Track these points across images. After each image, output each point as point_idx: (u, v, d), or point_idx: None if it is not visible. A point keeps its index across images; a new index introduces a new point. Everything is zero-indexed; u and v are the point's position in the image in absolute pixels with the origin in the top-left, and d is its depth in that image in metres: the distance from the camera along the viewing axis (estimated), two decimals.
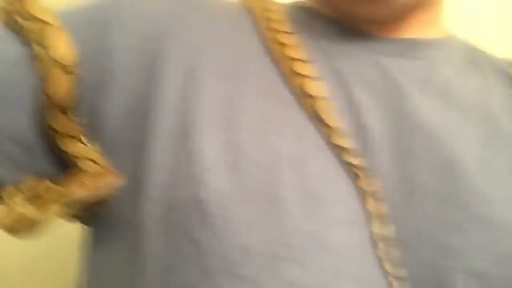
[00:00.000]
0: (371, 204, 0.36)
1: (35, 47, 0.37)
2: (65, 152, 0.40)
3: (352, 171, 0.37)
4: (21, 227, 0.35)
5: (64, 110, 0.39)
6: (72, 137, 0.40)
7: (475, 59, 0.48)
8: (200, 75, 0.39)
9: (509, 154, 0.39)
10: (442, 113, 0.40)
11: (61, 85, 0.38)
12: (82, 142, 0.40)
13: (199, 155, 0.36)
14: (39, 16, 0.38)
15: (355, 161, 0.37)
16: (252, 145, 0.36)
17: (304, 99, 0.39)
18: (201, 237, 0.34)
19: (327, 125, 0.38)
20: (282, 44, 0.41)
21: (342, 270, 0.34)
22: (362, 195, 0.36)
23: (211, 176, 0.35)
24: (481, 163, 0.38)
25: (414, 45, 0.44)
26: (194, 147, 0.36)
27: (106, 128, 0.40)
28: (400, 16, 0.44)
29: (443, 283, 0.35)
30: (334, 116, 0.38)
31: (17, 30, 0.39)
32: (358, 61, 0.42)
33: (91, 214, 0.40)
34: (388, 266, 0.36)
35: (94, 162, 0.41)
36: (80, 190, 0.36)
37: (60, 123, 0.39)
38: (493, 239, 0.35)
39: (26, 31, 0.38)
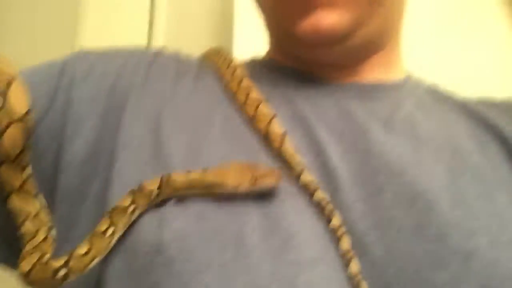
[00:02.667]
0: (344, 243, 0.34)
1: None
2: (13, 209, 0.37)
3: (322, 209, 0.35)
4: None
5: (17, 163, 0.37)
6: (26, 192, 0.37)
7: (437, 96, 0.48)
8: (165, 123, 0.39)
9: (476, 185, 0.38)
10: (408, 149, 0.39)
11: (15, 138, 0.36)
12: (37, 198, 0.38)
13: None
14: (5, 69, 0.38)
15: (323, 198, 0.35)
16: None
17: (269, 140, 0.38)
18: (161, 279, 0.30)
19: (292, 163, 0.36)
20: (248, 88, 0.41)
21: None
22: (335, 234, 0.34)
23: (171, 218, 0.33)
24: (451, 195, 0.36)
25: (376, 88, 0.45)
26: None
27: (66, 178, 0.38)
28: (358, 60, 0.45)
29: None
30: (298, 154, 0.37)
31: None
32: (320, 104, 0.42)
33: None
34: None
35: (40, 220, 0.37)
36: (250, 185, 0.34)
37: (12, 177, 0.37)
38: (475, 270, 0.32)
39: None
